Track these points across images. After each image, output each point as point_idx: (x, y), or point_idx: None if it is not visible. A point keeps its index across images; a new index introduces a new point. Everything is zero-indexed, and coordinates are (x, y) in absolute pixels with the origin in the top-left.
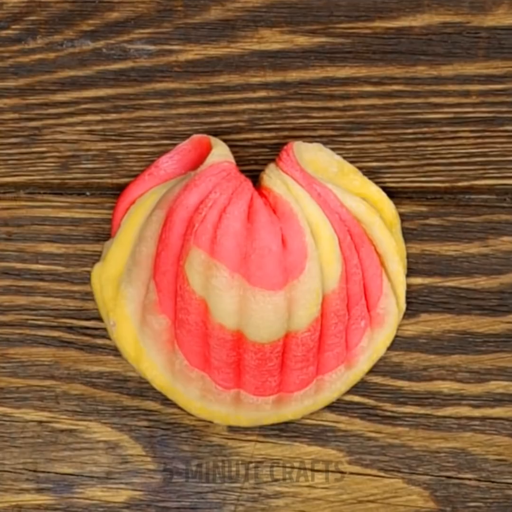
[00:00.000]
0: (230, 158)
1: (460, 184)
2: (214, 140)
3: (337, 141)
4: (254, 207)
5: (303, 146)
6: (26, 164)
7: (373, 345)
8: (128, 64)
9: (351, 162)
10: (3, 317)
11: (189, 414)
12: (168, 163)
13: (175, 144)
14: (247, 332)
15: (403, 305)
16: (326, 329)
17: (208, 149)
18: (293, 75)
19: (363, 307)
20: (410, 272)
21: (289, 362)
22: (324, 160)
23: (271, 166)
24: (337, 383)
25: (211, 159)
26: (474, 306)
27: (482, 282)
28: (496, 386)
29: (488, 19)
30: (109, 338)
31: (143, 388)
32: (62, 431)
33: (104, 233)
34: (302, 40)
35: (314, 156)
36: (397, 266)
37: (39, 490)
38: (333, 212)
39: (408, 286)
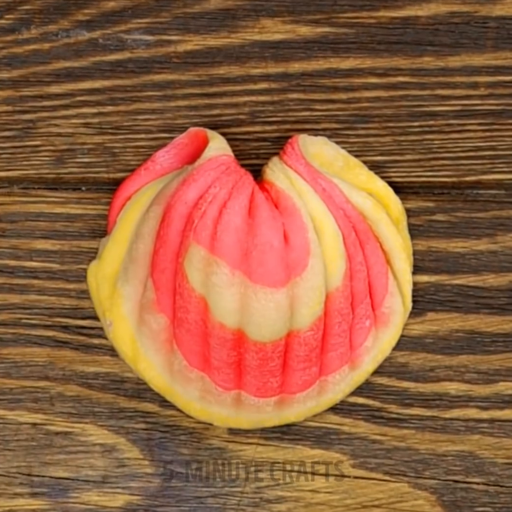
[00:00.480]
0: (228, 151)
1: (467, 178)
2: (211, 133)
3: (341, 135)
4: (255, 201)
5: (309, 140)
6: (20, 158)
7: (378, 345)
8: (125, 55)
9: (355, 156)
10: None
11: (188, 416)
12: (164, 157)
13: (173, 138)
14: (248, 331)
15: (409, 304)
16: (330, 329)
17: (205, 142)
18: (296, 67)
19: (368, 306)
20: (416, 269)
21: (292, 362)
22: (330, 154)
23: (275, 159)
24: (341, 384)
25: (208, 153)
26: (482, 304)
27: (491, 280)
28: (505, 387)
29: (497, 8)
30: (105, 338)
31: (141, 389)
32: (57, 433)
33: (100, 230)
34: (305, 30)
35: (319, 150)
36: (403, 264)
37: (33, 495)
38: (338, 208)
39: (414, 284)
